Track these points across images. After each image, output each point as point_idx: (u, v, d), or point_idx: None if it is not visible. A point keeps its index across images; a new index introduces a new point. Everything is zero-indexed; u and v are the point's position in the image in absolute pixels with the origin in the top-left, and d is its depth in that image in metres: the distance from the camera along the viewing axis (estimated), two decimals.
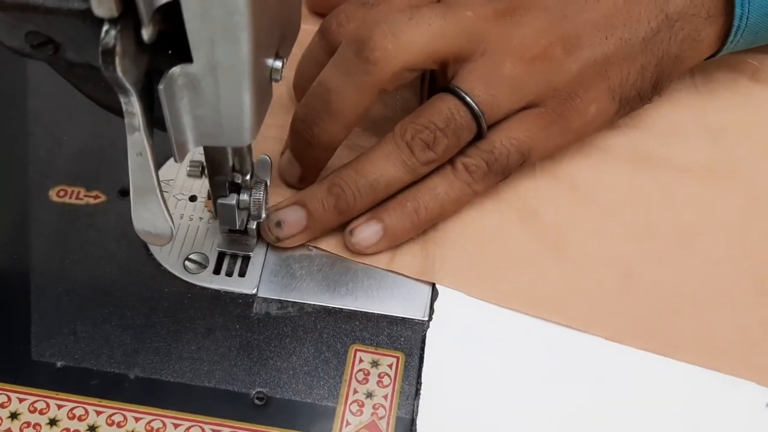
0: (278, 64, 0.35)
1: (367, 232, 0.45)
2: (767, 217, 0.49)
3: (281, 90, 0.53)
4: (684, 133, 0.52)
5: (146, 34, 0.28)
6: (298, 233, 0.45)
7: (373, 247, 0.45)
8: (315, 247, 0.46)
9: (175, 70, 0.30)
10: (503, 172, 0.45)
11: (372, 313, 0.44)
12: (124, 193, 0.48)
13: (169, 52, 0.30)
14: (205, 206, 0.48)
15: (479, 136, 0.44)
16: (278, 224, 0.45)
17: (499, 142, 0.45)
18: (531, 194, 0.49)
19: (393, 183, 0.44)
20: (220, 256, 0.46)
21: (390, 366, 0.42)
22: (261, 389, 0.42)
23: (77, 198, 0.48)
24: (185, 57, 0.30)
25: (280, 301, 0.45)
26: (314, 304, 0.45)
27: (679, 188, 0.50)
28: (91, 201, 0.48)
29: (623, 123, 0.52)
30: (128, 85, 0.29)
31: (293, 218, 0.45)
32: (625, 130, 0.52)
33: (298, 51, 0.53)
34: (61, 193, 0.48)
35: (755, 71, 0.55)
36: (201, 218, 0.48)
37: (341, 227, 0.46)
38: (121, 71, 0.28)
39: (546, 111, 0.45)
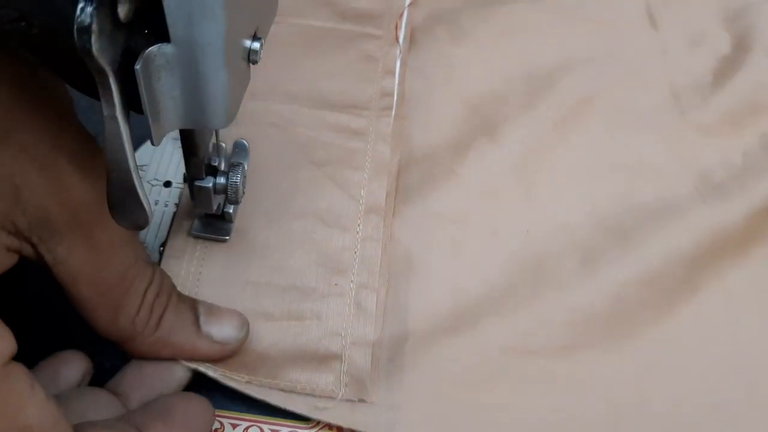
0: (256, 45, 0.34)
1: None
2: None
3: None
4: None
5: (123, 11, 0.27)
6: None
7: None
8: None
9: (153, 49, 0.30)
10: None
11: None
12: None
13: (146, 31, 0.30)
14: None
15: None
16: None
17: None
18: None
19: None
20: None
21: None
22: None
23: None
24: (162, 36, 0.30)
25: None
26: None
27: None
28: None
29: None
30: (104, 66, 0.28)
31: None
32: None
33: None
34: None
35: None
36: (176, 204, 0.47)
37: None
38: (97, 51, 0.27)
39: None
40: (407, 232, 0.48)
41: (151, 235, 0.46)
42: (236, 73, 0.33)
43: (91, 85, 0.30)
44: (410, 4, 0.59)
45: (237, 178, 0.41)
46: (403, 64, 0.55)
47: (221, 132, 0.41)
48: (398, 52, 0.55)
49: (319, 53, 0.54)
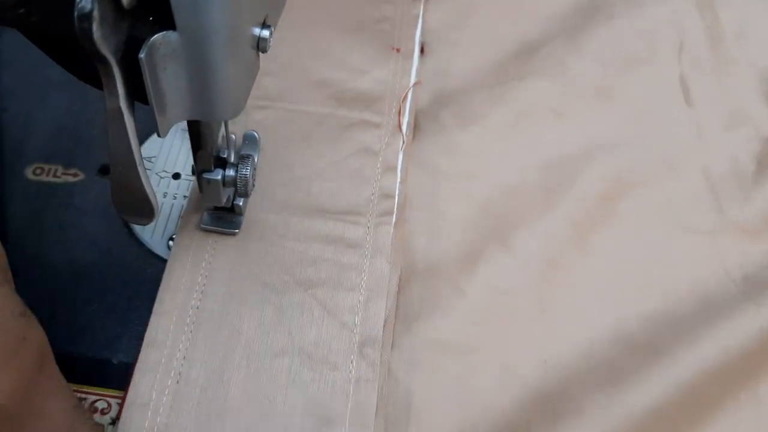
0: (266, 33, 0.33)
1: None
2: None
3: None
4: None
5: None
6: None
7: None
8: None
9: (157, 37, 0.28)
10: None
11: None
12: (104, 170, 0.46)
13: (150, 18, 0.29)
14: None
15: None
16: None
17: None
18: None
19: None
20: None
21: None
22: None
23: (55, 176, 0.46)
24: (167, 24, 0.28)
25: None
26: None
27: None
28: (70, 179, 0.46)
29: None
30: (107, 54, 0.27)
31: None
32: None
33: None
34: (38, 171, 0.46)
35: None
36: (185, 197, 0.46)
37: None
38: (99, 38, 0.26)
39: None
40: (407, 368, 0.42)
41: (160, 228, 0.45)
42: (244, 62, 0.32)
43: (94, 75, 0.29)
44: (415, 84, 0.52)
45: (247, 171, 0.40)
46: (406, 157, 0.48)
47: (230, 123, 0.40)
48: (401, 142, 0.48)
49: (311, 147, 0.47)
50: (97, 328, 0.41)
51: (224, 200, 0.41)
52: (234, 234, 0.43)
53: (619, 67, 0.54)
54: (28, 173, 0.46)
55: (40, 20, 0.28)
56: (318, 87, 0.50)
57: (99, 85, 0.29)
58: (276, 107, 0.48)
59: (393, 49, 0.52)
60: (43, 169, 0.46)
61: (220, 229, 0.44)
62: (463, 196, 0.48)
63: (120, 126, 0.30)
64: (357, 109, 0.49)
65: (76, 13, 0.25)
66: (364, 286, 0.42)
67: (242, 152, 0.41)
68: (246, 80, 0.34)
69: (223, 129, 0.39)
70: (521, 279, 0.45)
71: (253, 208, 0.44)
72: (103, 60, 0.27)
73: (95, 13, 0.25)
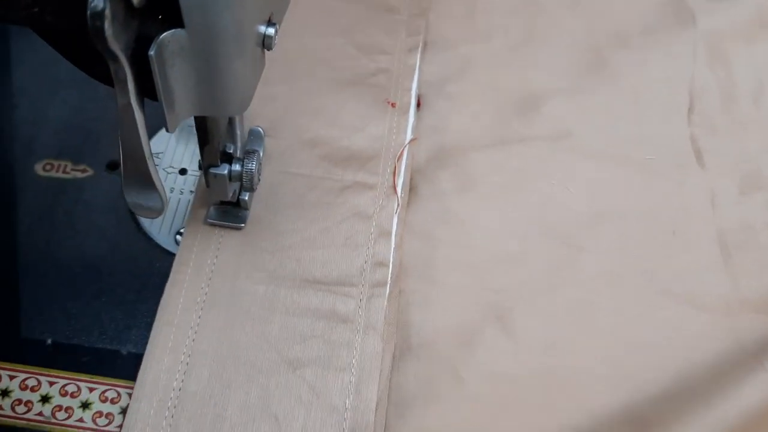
0: (271, 30, 0.34)
1: None
2: None
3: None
4: None
5: None
6: None
7: None
8: None
9: (166, 35, 0.29)
10: None
11: None
12: (113, 166, 0.47)
13: (160, 17, 0.29)
14: None
15: None
16: None
17: None
18: None
19: None
20: None
21: None
22: None
23: (64, 172, 0.47)
24: (176, 22, 0.29)
25: None
26: None
27: None
28: (79, 175, 0.47)
29: None
30: (118, 51, 0.28)
31: None
32: None
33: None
34: (48, 167, 0.47)
35: None
36: (192, 192, 0.47)
37: None
38: (111, 36, 0.27)
39: None
40: None
41: (167, 222, 0.46)
42: (251, 59, 0.33)
43: (105, 72, 0.30)
44: (411, 141, 0.49)
45: (252, 165, 0.41)
46: (401, 223, 0.46)
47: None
48: (396, 205, 0.46)
49: (303, 213, 0.45)
50: (106, 320, 0.42)
51: (230, 195, 0.42)
52: (240, 228, 0.44)
53: (625, 127, 0.51)
54: (38, 169, 0.47)
55: (53, 18, 0.29)
56: (311, 146, 0.48)
57: (110, 83, 0.30)
58: (266, 170, 0.46)
59: (388, 103, 0.50)
60: (52, 165, 0.47)
61: (226, 223, 0.44)
62: (461, 266, 0.45)
63: (131, 122, 0.31)
64: (351, 170, 0.47)
65: (88, 12, 0.26)
66: (355, 365, 0.40)
67: (247, 147, 0.42)
68: (252, 77, 0.35)
69: (236, 124, 0.40)
70: (522, 364, 0.42)
71: (242, 278, 0.42)
72: (115, 57, 0.28)
73: (107, 12, 0.26)
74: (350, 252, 0.44)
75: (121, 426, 0.38)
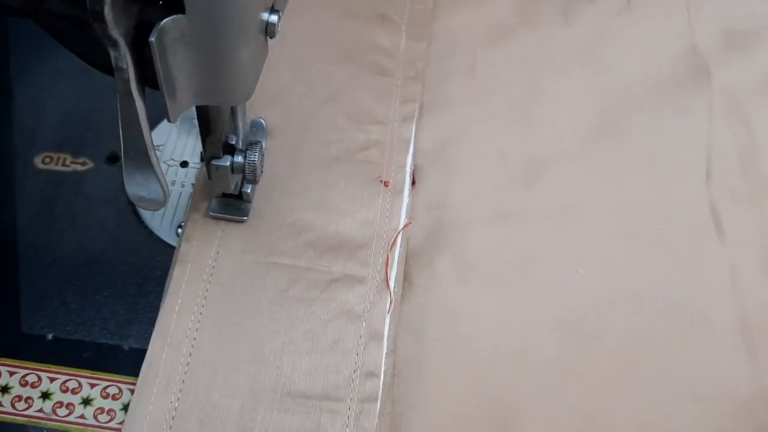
0: (274, 18, 0.33)
1: None
2: None
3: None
4: None
5: None
6: None
7: None
8: None
9: (167, 21, 0.29)
10: None
11: None
12: (113, 159, 0.47)
13: (161, 2, 0.29)
14: None
15: None
16: None
17: None
18: None
19: None
20: None
21: None
22: None
23: (64, 165, 0.46)
24: (177, 8, 0.29)
25: None
26: None
27: None
28: (79, 168, 0.46)
29: None
30: (118, 37, 0.27)
31: None
32: None
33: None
34: (47, 160, 0.46)
35: None
36: (193, 184, 0.46)
37: None
38: (111, 21, 0.26)
39: None
40: None
41: (168, 216, 0.45)
42: (253, 47, 0.33)
43: (105, 61, 0.29)
44: (405, 226, 0.44)
45: (255, 157, 0.40)
46: (394, 322, 0.41)
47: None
48: (388, 302, 0.41)
49: (285, 311, 0.41)
50: (107, 314, 0.41)
51: (233, 187, 0.42)
52: (243, 221, 0.44)
53: (638, 196, 0.46)
54: (38, 162, 0.46)
55: (54, 6, 0.28)
56: (295, 232, 0.43)
57: (110, 72, 0.30)
58: (246, 259, 0.42)
59: (381, 182, 0.45)
60: (52, 158, 0.47)
61: (228, 216, 0.44)
62: (461, 370, 0.40)
63: (131, 111, 0.30)
64: (339, 261, 0.42)
65: None
66: None
67: (250, 139, 0.41)
68: (255, 66, 0.34)
69: (238, 114, 0.39)
70: None
71: (216, 390, 0.38)
72: (114, 43, 0.28)
73: None
74: (337, 359, 0.39)
75: (122, 423, 0.37)
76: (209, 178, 0.41)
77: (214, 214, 0.43)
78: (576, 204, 0.46)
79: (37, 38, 0.50)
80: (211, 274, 0.41)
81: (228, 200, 0.44)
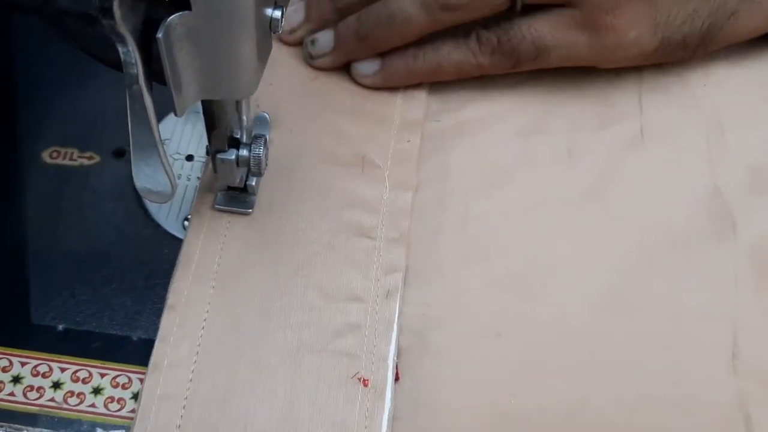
0: (277, 13, 0.34)
1: (366, 64, 0.48)
2: None
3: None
4: None
5: None
6: (327, 54, 0.48)
7: (368, 78, 0.48)
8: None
9: (174, 18, 0.29)
10: (511, 56, 0.46)
11: None
12: (119, 153, 0.47)
13: None
14: None
15: (509, 14, 0.45)
16: (312, 42, 0.48)
17: (520, 27, 0.45)
18: None
19: (410, 20, 0.45)
20: None
21: None
22: None
23: (71, 159, 0.47)
24: (183, 4, 0.29)
25: None
26: None
27: None
28: (86, 162, 0.47)
29: None
30: (126, 34, 0.28)
31: (324, 38, 0.48)
32: None
33: None
34: (54, 155, 0.47)
35: None
36: (198, 178, 0.47)
37: None
38: (119, 17, 0.27)
39: (581, 15, 0.44)
40: None
41: (174, 209, 0.46)
42: (258, 42, 0.33)
43: (114, 57, 0.30)
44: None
45: (260, 150, 0.41)
46: None
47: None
48: None
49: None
50: (116, 306, 0.42)
51: (238, 180, 0.42)
52: (248, 214, 0.44)
53: (655, 391, 0.39)
54: (45, 157, 0.47)
55: (62, 4, 0.29)
56: None
57: (117, 67, 0.30)
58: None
59: (359, 380, 0.38)
60: (59, 153, 0.47)
61: (233, 209, 0.44)
62: None
63: (139, 105, 0.31)
64: None
65: None
66: None
67: (254, 132, 0.42)
68: (259, 60, 0.35)
69: (243, 108, 0.40)
70: None
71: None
72: (123, 40, 0.28)
73: None
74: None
75: (133, 410, 0.38)
76: (215, 171, 0.42)
77: (220, 206, 0.44)
78: (582, 404, 0.38)
79: (44, 34, 0.50)
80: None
81: (233, 193, 0.44)
